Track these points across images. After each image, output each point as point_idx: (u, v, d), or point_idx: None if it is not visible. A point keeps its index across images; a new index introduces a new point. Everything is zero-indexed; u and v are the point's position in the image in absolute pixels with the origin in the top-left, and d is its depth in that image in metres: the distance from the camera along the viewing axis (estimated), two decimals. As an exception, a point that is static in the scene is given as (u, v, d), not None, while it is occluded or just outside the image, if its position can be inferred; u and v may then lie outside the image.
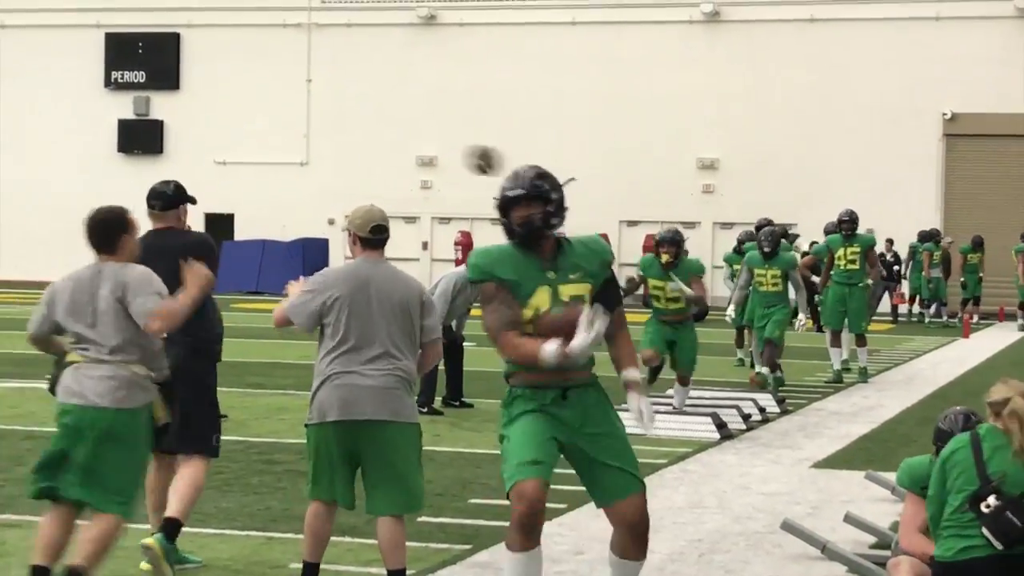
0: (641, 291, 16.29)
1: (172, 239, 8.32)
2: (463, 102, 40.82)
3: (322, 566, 7.96)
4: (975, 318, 32.99)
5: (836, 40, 38.92)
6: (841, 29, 39.00)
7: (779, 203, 37.30)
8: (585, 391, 6.63)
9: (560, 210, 6.85)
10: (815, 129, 38.72)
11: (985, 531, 6.45)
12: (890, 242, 34.06)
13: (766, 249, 17.68)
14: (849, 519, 9.40)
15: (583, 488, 6.99)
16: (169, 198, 8.42)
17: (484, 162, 8.70)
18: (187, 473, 8.15)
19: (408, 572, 8.20)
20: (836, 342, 19.60)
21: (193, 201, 8.52)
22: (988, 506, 6.52)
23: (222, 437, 8.55)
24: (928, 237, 33.42)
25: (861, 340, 19.64)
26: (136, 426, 7.12)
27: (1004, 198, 38.18)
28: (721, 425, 14.08)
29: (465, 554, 8.71)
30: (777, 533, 9.21)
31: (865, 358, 19.75)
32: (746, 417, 14.92)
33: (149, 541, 7.80)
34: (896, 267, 34.05)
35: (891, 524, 9.77)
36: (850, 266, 19.69)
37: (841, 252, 19.75)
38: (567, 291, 6.60)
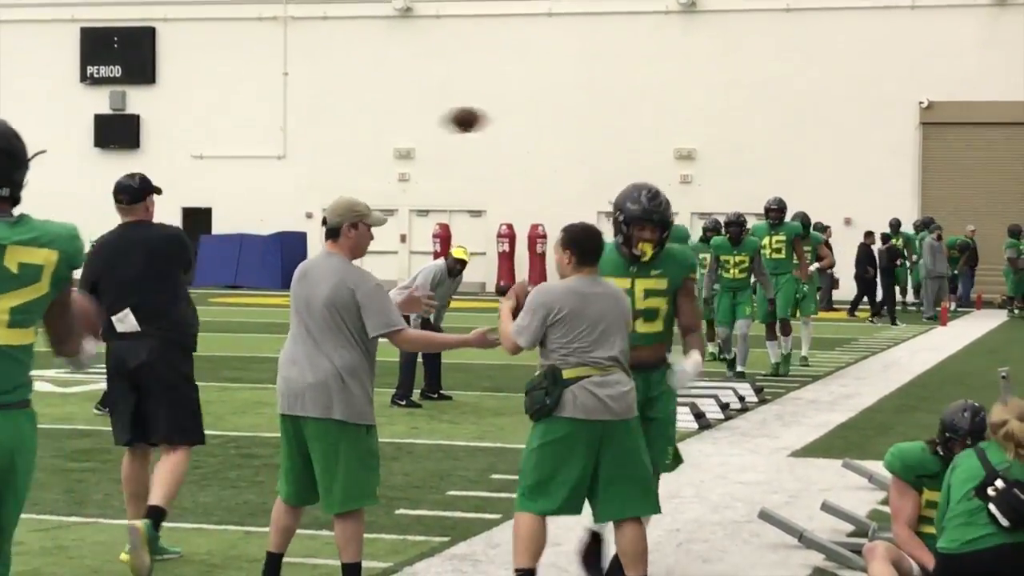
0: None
1: (144, 232, 8.28)
2: (440, 94, 40.68)
3: (301, 560, 7.96)
4: (952, 305, 33.11)
5: (812, 29, 38.98)
6: (817, 18, 39.05)
7: (756, 193, 37.22)
8: None
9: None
10: (792, 119, 38.77)
11: (994, 509, 6.58)
12: (870, 234, 34.07)
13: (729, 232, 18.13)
14: (826, 507, 9.43)
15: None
16: (135, 191, 8.32)
17: (465, 124, 9.19)
18: (171, 462, 8.15)
19: (386, 565, 8.21)
20: (770, 335, 19.01)
21: (158, 191, 8.40)
22: (995, 489, 6.69)
23: (205, 432, 8.56)
24: (925, 226, 33.15)
25: (785, 327, 19.07)
26: None
27: (981, 186, 38.29)
28: (699, 415, 14.11)
29: (443, 546, 8.71)
30: (755, 522, 9.23)
31: (788, 345, 19.30)
32: (724, 406, 14.96)
33: (138, 523, 7.76)
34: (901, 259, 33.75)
35: (868, 512, 9.80)
36: (775, 255, 19.34)
37: (767, 241, 19.21)
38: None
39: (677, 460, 7.85)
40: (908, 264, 33.19)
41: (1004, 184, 38.24)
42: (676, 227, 16.36)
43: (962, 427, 7.31)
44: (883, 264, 30.66)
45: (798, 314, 19.87)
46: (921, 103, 38.43)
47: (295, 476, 7.28)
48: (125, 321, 8.12)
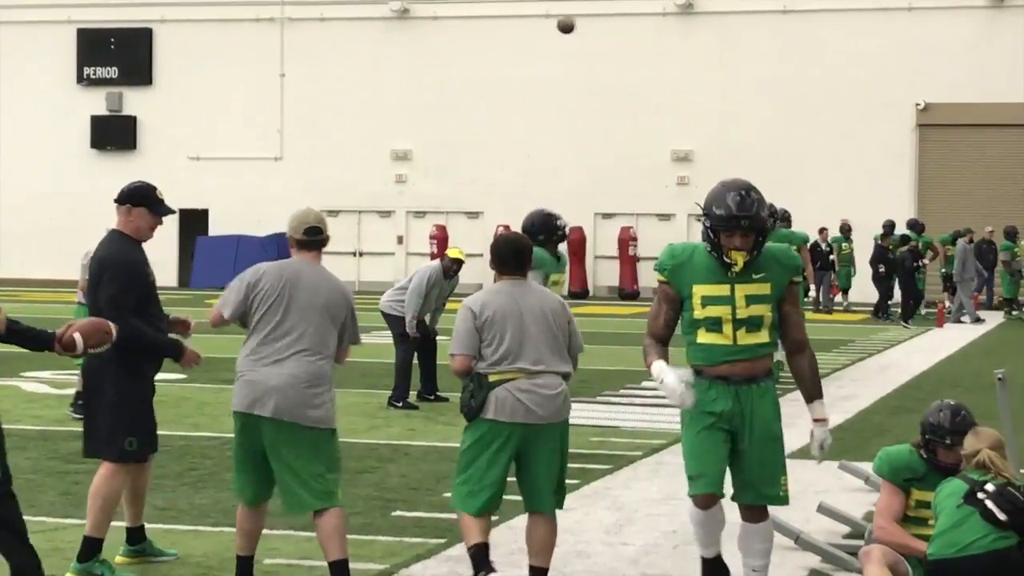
0: None
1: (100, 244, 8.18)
2: (437, 96, 40.78)
3: (298, 562, 7.94)
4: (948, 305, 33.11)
5: (809, 31, 39.00)
6: (814, 20, 39.07)
7: (753, 194, 37.33)
8: None
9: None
10: (789, 120, 38.78)
11: (991, 506, 6.69)
12: (824, 231, 34.07)
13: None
14: (823, 509, 9.43)
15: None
16: (120, 193, 8.11)
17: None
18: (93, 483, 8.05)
19: (382, 567, 8.20)
20: None
21: (156, 210, 8.09)
22: (985, 492, 6.75)
23: (197, 433, 8.53)
24: (914, 226, 33.28)
25: None
26: None
27: (978, 187, 38.30)
28: (696, 417, 14.08)
29: (439, 548, 8.70)
30: (751, 524, 9.21)
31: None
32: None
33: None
34: (832, 257, 33.93)
35: (864, 514, 9.79)
36: None
37: None
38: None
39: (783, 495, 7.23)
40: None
41: (1000, 186, 38.27)
42: (793, 233, 16.98)
43: (943, 426, 7.35)
44: (908, 266, 30.53)
45: None
46: (917, 105, 38.44)
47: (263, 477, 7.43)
48: None
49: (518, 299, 7.46)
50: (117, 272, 7.83)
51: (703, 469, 6.98)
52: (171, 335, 8.12)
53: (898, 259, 30.68)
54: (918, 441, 7.49)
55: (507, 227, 39.64)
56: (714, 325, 6.90)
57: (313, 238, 7.54)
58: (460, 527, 7.59)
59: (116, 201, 8.08)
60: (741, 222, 6.75)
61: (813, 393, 7.04)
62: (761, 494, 7.05)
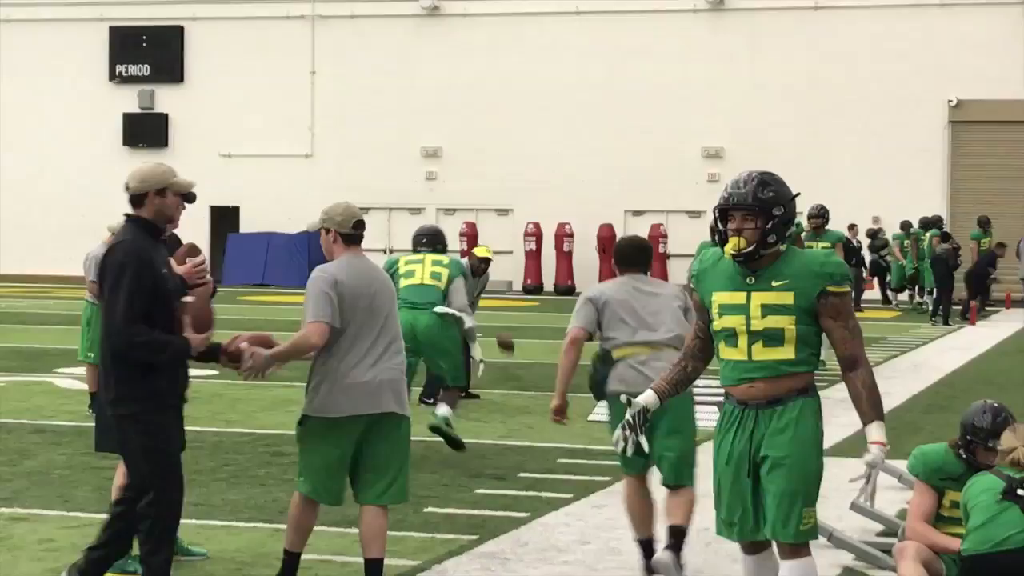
0: None
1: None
2: (467, 93, 40.80)
3: (331, 558, 7.96)
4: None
5: (840, 27, 38.85)
6: (845, 16, 38.93)
7: (784, 191, 37.21)
8: None
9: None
10: (819, 117, 38.65)
11: None
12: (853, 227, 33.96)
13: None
14: (855, 507, 9.40)
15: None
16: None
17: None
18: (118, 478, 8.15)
19: (415, 563, 8.22)
20: None
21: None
22: None
23: (230, 429, 8.56)
24: (930, 224, 33.22)
25: None
26: None
27: (1010, 185, 38.11)
28: (727, 414, 14.06)
29: (472, 544, 8.72)
30: (784, 521, 9.19)
31: None
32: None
33: None
34: (876, 254, 33.80)
35: (898, 512, 9.77)
36: None
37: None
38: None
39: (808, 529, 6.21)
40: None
41: (1033, 183, 38.07)
42: (830, 232, 17.56)
43: (983, 428, 7.30)
44: (953, 263, 30.39)
45: None
46: (950, 101, 38.26)
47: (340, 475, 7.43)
48: None
49: (637, 286, 8.19)
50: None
51: (729, 516, 6.25)
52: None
53: (938, 257, 30.46)
54: (955, 440, 7.44)
55: (537, 225, 39.67)
56: (731, 338, 6.15)
57: (361, 232, 7.60)
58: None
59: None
60: (731, 199, 6.04)
61: (869, 415, 6.11)
62: (775, 531, 6.13)
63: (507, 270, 38.22)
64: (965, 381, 18.56)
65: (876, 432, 6.08)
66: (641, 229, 39.76)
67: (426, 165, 41.51)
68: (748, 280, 6.07)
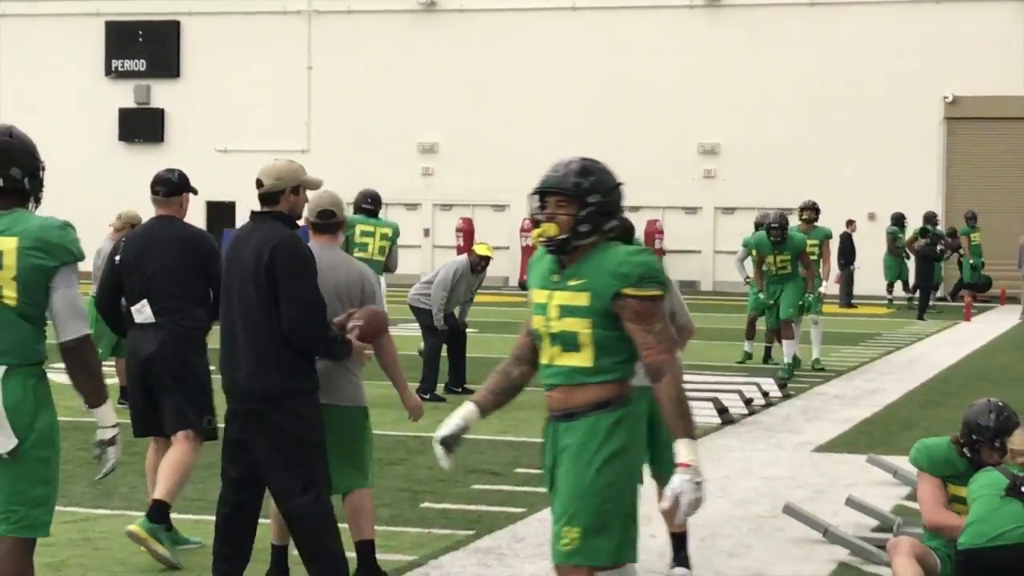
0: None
1: (173, 229, 8.45)
2: (464, 88, 40.80)
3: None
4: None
5: (837, 24, 38.86)
6: (842, 13, 38.94)
7: (780, 188, 37.28)
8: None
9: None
10: (816, 113, 38.66)
11: None
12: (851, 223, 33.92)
13: (773, 238, 17.98)
14: (851, 503, 9.43)
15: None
16: (173, 185, 8.56)
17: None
18: (174, 453, 8.24)
19: (411, 557, 8.24)
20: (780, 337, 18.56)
21: (195, 191, 8.71)
22: None
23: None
24: (901, 220, 33.33)
25: (787, 331, 18.34)
26: None
27: (1006, 180, 38.14)
28: (722, 410, 14.11)
29: (468, 539, 8.74)
30: (779, 517, 9.23)
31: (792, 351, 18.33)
32: (748, 402, 14.96)
33: (132, 527, 7.90)
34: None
35: (893, 507, 9.79)
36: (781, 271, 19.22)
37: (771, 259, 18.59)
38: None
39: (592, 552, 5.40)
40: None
41: (1028, 179, 38.11)
42: (818, 228, 17.80)
43: (989, 426, 7.29)
44: (934, 257, 30.49)
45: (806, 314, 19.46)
46: (946, 98, 38.29)
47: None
48: (143, 312, 8.39)
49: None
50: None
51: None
52: None
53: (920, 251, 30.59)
54: (957, 437, 7.44)
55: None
56: (539, 340, 5.55)
57: (326, 221, 7.61)
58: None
59: (171, 193, 8.49)
60: (546, 182, 5.51)
61: (674, 431, 5.30)
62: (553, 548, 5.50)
63: (503, 266, 38.21)
64: (960, 377, 18.59)
65: (683, 452, 5.24)
66: (638, 225, 39.52)
67: (423, 160, 41.52)
68: (553, 278, 5.48)
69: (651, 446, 7.54)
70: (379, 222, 15.65)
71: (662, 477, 7.53)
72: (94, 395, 5.72)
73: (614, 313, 5.32)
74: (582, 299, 5.35)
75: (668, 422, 5.31)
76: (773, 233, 18.14)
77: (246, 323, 6.81)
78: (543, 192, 5.49)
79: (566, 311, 5.38)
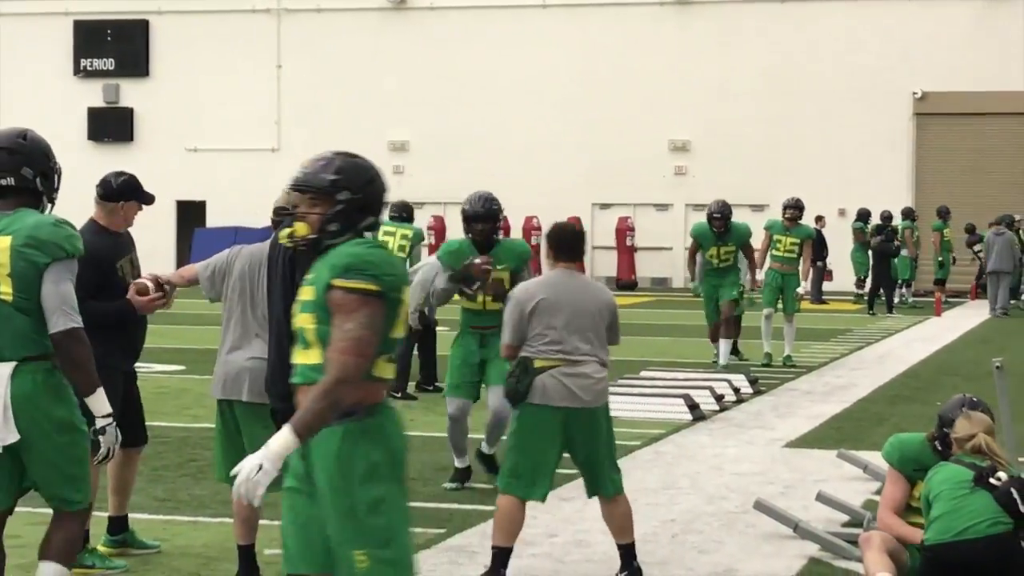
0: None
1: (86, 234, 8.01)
2: (434, 86, 40.77)
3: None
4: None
5: (806, 21, 38.97)
6: (811, 10, 39.05)
7: (751, 184, 37.38)
8: None
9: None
10: (786, 110, 38.77)
11: (1016, 496, 6.71)
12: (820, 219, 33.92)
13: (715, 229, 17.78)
14: (821, 498, 9.44)
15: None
16: (110, 189, 7.98)
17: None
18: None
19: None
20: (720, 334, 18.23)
21: (145, 201, 8.04)
22: (999, 479, 6.74)
23: (196, 425, 8.57)
24: (907, 215, 33.41)
25: (728, 329, 18.12)
26: None
27: (975, 176, 38.31)
28: (693, 406, 14.12)
29: (439, 538, 8.72)
30: (750, 513, 9.24)
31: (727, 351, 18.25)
32: (719, 398, 14.97)
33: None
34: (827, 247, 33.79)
35: (863, 502, 9.81)
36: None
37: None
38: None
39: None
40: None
41: (998, 175, 38.27)
42: (801, 227, 17.83)
43: (954, 417, 7.31)
44: (890, 252, 30.65)
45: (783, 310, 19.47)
46: (915, 93, 38.43)
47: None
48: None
49: (570, 289, 7.62)
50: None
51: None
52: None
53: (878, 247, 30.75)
54: (933, 433, 7.45)
55: (505, 218, 39.57)
56: None
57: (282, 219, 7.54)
58: (500, 516, 7.59)
59: (107, 198, 7.91)
60: (296, 180, 5.32)
61: (294, 418, 4.85)
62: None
63: (475, 264, 38.21)
64: (930, 372, 18.65)
65: (278, 438, 4.80)
66: (608, 222, 39.84)
67: (393, 158, 41.45)
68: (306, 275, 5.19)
69: (586, 465, 7.59)
70: (402, 226, 15.67)
71: (604, 497, 7.75)
72: (83, 385, 6.00)
73: (330, 307, 4.97)
74: (309, 292, 5.04)
75: (297, 406, 4.93)
76: (715, 224, 17.82)
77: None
78: (296, 189, 5.22)
79: (300, 306, 5.07)
